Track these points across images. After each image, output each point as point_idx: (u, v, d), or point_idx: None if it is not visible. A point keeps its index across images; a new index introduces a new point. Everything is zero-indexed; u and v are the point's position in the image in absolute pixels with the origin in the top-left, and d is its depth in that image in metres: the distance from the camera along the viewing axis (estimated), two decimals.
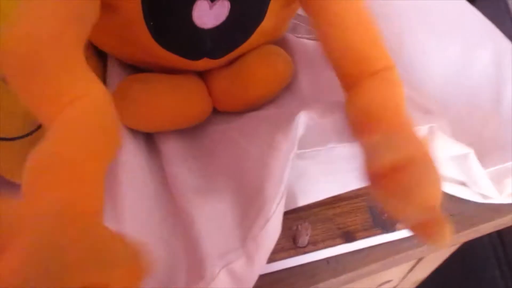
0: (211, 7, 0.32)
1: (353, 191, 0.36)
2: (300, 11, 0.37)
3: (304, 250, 0.34)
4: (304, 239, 0.33)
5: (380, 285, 0.60)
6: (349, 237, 0.35)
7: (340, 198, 0.37)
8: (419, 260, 0.56)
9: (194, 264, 0.31)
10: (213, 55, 0.36)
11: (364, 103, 0.30)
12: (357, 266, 0.35)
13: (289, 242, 0.34)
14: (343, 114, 0.33)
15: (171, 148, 0.37)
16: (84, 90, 0.25)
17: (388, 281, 0.60)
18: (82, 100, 0.24)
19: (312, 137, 0.32)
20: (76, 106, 0.24)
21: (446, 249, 0.57)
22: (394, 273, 0.59)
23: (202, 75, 0.40)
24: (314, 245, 0.34)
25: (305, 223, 0.33)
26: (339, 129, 0.32)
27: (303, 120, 0.32)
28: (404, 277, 0.62)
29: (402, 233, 0.36)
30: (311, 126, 0.32)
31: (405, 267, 0.58)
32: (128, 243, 0.21)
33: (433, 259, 0.59)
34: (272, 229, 0.30)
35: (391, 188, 0.26)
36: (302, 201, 0.35)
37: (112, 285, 0.19)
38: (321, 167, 0.33)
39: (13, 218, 0.18)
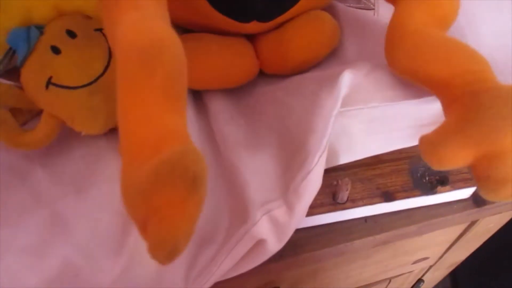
0: None
1: (394, 153, 0.37)
2: None
3: (343, 207, 0.35)
4: (343, 195, 0.34)
5: (416, 261, 0.60)
6: (388, 197, 0.35)
7: (380, 160, 0.37)
8: (459, 237, 0.55)
9: (237, 210, 0.33)
10: (262, 18, 0.38)
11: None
12: (394, 226, 0.36)
13: (329, 199, 0.35)
14: (387, 73, 0.33)
15: (219, 106, 0.39)
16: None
17: (425, 259, 0.60)
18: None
19: (355, 96, 0.33)
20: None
21: (485, 229, 0.57)
22: (432, 251, 0.59)
23: (250, 38, 0.41)
24: (353, 202, 0.35)
25: (345, 178, 0.34)
26: (382, 89, 0.33)
27: (347, 79, 0.32)
28: (441, 257, 0.62)
29: (442, 197, 0.36)
30: (354, 85, 0.33)
31: (444, 244, 0.57)
32: None
33: (472, 239, 0.58)
34: (313, 181, 0.31)
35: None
36: (343, 159, 0.36)
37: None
38: (364, 126, 0.34)
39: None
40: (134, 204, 0.21)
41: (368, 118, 0.34)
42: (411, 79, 0.31)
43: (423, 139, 0.26)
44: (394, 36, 0.32)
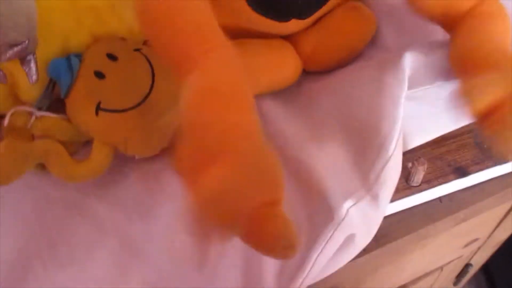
0: None
1: (456, 129, 0.36)
2: None
3: (419, 189, 0.34)
4: (419, 177, 0.33)
5: (468, 244, 0.59)
6: (462, 172, 0.34)
7: (444, 138, 0.37)
8: (508, 212, 0.55)
9: (318, 209, 0.32)
10: (301, 15, 0.37)
11: (464, 44, 0.31)
12: (471, 201, 0.35)
13: (402, 183, 0.35)
14: (447, 51, 0.33)
15: (271, 107, 0.38)
16: (221, 41, 0.26)
17: (475, 240, 0.59)
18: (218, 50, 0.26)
19: (419, 77, 0.33)
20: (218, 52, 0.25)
21: None
22: (481, 231, 0.58)
23: (289, 39, 0.40)
24: (428, 183, 0.34)
25: (420, 158, 0.33)
26: (445, 66, 0.33)
27: (409, 61, 0.32)
28: (490, 235, 0.61)
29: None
30: (417, 66, 0.33)
31: (492, 222, 0.57)
32: None
33: None
34: (393, 167, 0.31)
35: (500, 124, 0.26)
36: (415, 141, 0.35)
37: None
38: (431, 105, 0.33)
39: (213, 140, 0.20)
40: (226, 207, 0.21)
41: (435, 97, 0.33)
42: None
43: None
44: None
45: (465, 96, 0.27)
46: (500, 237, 0.66)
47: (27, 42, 0.31)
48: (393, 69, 0.32)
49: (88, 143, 0.37)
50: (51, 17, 0.35)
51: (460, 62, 0.30)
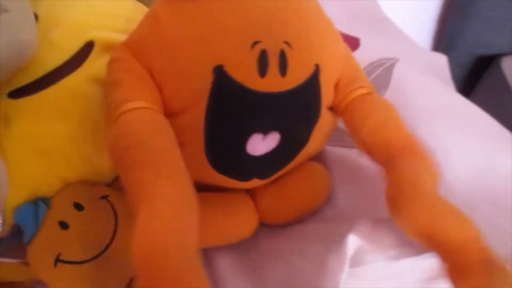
0: (263, 139, 0.36)
1: None
2: None
3: None
4: None
5: None
6: None
7: None
8: None
9: None
10: (261, 176, 0.40)
11: (395, 180, 0.34)
12: None
13: None
14: (388, 231, 0.36)
15: (224, 264, 0.40)
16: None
17: None
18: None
19: (361, 256, 0.35)
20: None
21: None
22: None
23: (249, 191, 0.43)
24: None
25: None
26: (386, 248, 0.35)
27: (352, 241, 0.35)
28: None
29: None
30: (361, 246, 0.35)
31: None
32: None
33: None
34: None
35: None
36: None
37: None
38: (370, 284, 0.36)
39: None
40: None
41: (375, 277, 0.35)
42: (423, 239, 0.33)
43: None
44: (404, 194, 0.34)
45: None
46: None
47: None
48: (335, 248, 0.35)
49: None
50: (24, 168, 0.38)
51: (391, 197, 0.34)
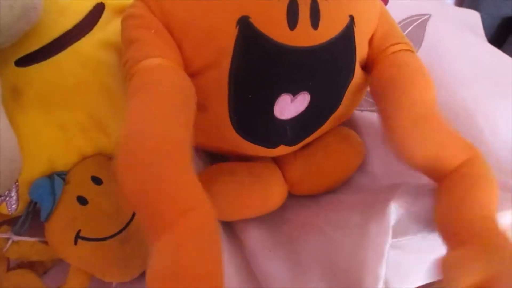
0: (292, 101, 0.33)
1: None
2: None
3: None
4: None
5: None
6: None
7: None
8: None
9: None
10: (289, 143, 0.37)
11: (447, 207, 0.30)
12: None
13: None
14: (432, 200, 0.33)
15: (252, 238, 0.37)
16: (198, 202, 0.25)
17: None
18: (197, 211, 0.25)
19: (403, 226, 0.32)
20: (191, 216, 0.24)
21: None
22: None
23: (276, 160, 0.40)
24: None
25: None
26: (429, 218, 0.32)
27: (394, 210, 0.32)
28: None
29: None
30: (402, 215, 0.32)
31: None
32: None
33: None
34: None
35: None
36: None
37: None
38: (413, 256, 0.33)
39: None
40: None
41: (418, 248, 0.32)
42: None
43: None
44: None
45: (446, 271, 0.26)
46: None
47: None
48: (376, 218, 0.32)
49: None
50: (38, 140, 0.35)
51: (444, 225, 0.30)
